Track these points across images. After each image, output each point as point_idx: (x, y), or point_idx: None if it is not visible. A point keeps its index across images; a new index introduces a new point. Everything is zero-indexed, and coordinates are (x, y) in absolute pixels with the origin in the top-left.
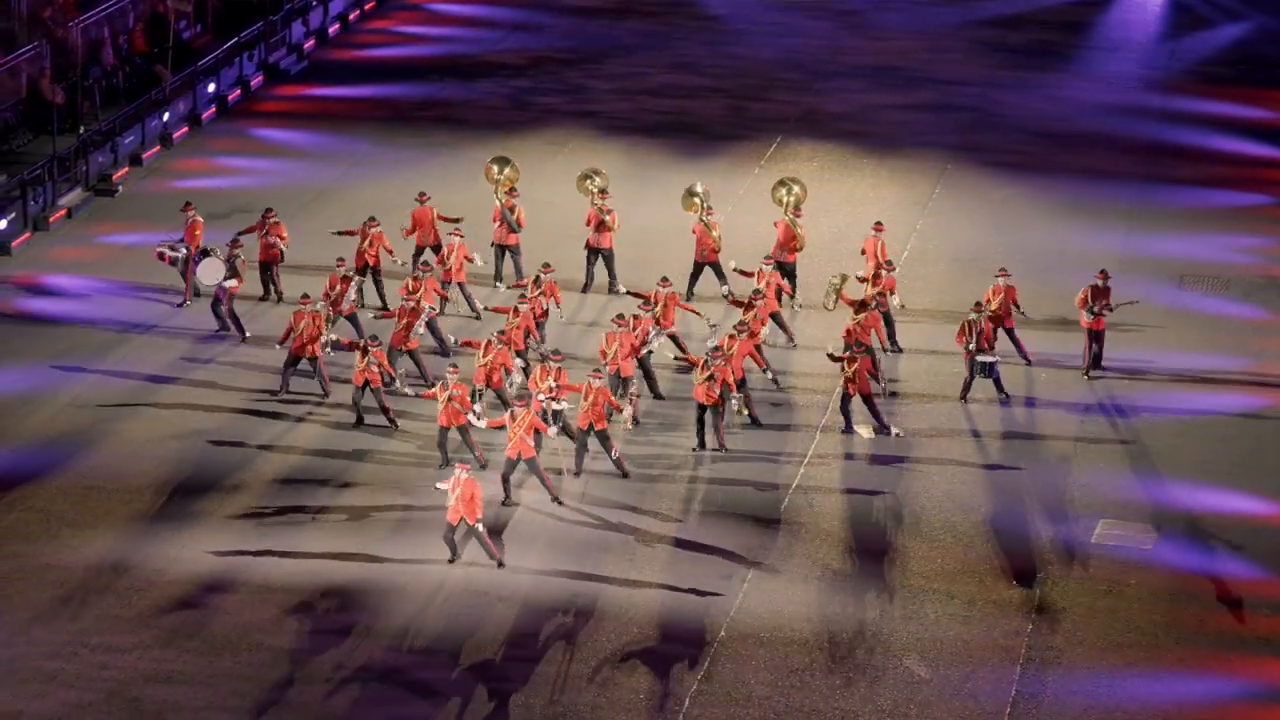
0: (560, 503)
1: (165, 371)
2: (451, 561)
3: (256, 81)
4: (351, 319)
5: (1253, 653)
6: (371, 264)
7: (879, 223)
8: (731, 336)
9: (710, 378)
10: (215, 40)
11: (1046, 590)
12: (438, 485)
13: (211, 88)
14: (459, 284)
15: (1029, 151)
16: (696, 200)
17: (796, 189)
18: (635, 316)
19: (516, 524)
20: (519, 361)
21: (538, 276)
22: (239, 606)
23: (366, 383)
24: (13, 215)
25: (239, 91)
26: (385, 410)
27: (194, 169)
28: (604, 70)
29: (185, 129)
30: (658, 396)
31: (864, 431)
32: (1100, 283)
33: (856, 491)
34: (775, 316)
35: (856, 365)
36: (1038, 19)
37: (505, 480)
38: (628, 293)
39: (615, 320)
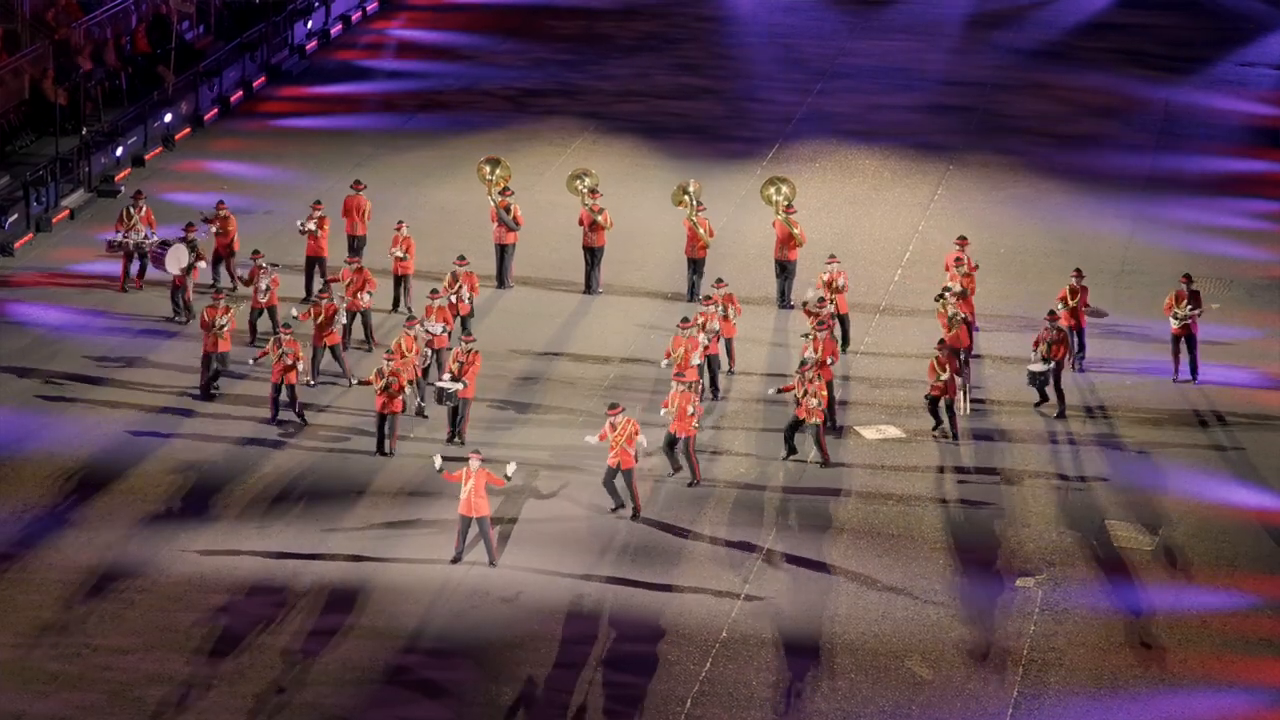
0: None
1: (167, 372)
2: (455, 561)
3: (259, 82)
4: (270, 310)
5: (1256, 655)
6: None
7: (962, 237)
8: (810, 359)
9: (807, 392)
10: (217, 41)
11: (1049, 592)
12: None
13: (214, 89)
14: (404, 276)
15: (1032, 152)
16: (687, 198)
17: (785, 188)
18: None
19: (520, 525)
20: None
21: (454, 272)
22: (241, 607)
23: (283, 380)
24: (15, 216)
25: (241, 92)
26: (299, 406)
27: (196, 170)
28: (607, 71)
29: (187, 130)
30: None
31: (868, 433)
32: (1185, 286)
33: (859, 493)
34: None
35: (949, 371)
36: (1040, 19)
37: (607, 487)
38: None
39: (680, 325)
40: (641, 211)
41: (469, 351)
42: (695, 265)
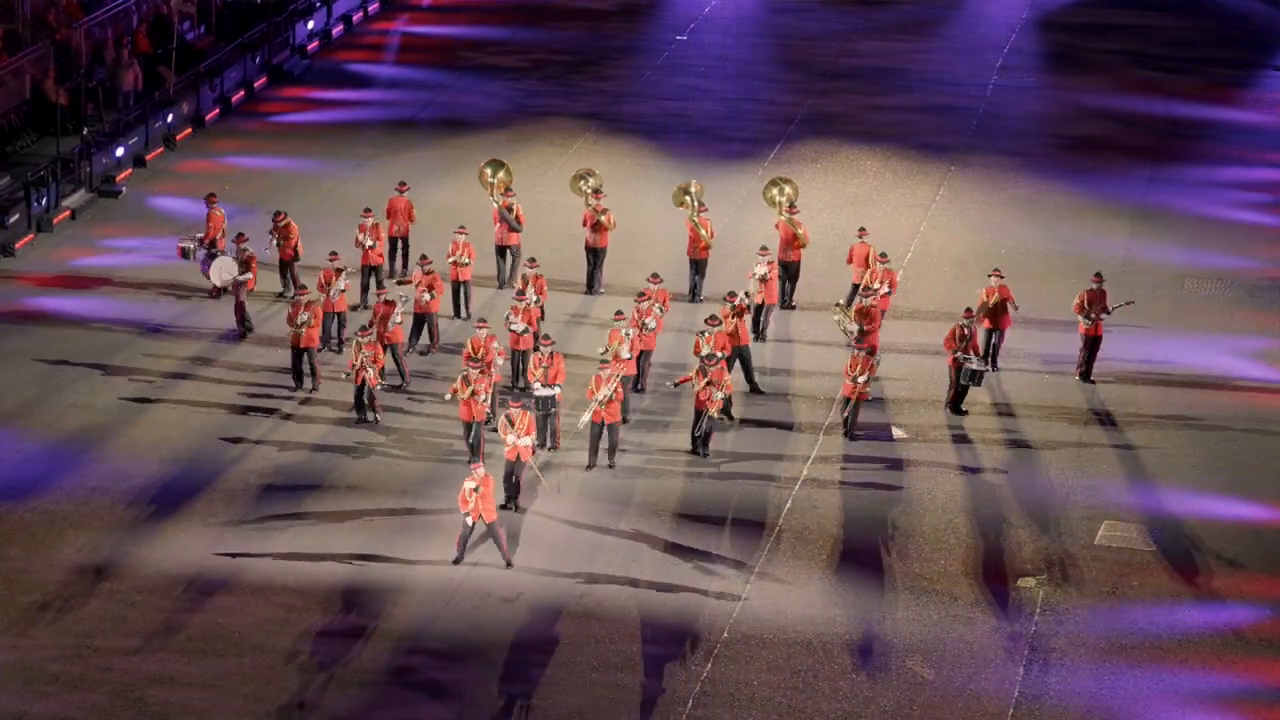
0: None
1: (168, 372)
2: (456, 563)
3: (260, 83)
4: (339, 314)
5: (1254, 654)
6: (374, 262)
7: (863, 228)
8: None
9: (709, 383)
10: (218, 41)
11: (1049, 592)
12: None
13: (215, 89)
14: (464, 282)
15: (1032, 154)
16: (688, 199)
17: (788, 189)
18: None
19: (521, 526)
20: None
21: (523, 274)
22: (244, 608)
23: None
24: (16, 217)
25: (242, 93)
26: (375, 406)
27: (197, 170)
28: (608, 72)
29: (188, 130)
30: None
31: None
32: (1096, 286)
33: (860, 493)
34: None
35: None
36: (1041, 21)
37: (507, 482)
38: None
39: (616, 316)
40: (643, 212)
41: (550, 354)
42: (697, 266)
